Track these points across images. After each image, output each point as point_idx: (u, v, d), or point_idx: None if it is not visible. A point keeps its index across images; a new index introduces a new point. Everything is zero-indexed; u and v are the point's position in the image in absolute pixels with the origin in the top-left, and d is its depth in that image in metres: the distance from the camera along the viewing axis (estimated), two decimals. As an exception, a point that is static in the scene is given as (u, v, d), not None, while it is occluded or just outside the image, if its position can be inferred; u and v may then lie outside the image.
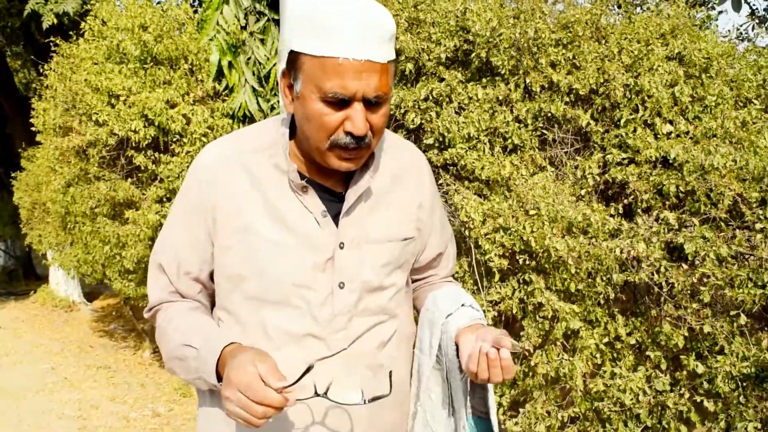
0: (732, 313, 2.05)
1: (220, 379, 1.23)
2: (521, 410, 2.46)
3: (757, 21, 9.66)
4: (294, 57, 1.23)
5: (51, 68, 5.19)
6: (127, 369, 7.17)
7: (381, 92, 1.21)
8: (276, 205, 1.32)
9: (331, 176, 1.35)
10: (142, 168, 4.44)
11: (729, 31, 3.29)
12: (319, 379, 1.24)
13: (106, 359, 7.50)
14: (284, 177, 1.33)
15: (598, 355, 2.27)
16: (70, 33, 5.10)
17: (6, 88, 10.79)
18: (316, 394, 1.20)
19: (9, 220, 11.37)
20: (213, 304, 1.46)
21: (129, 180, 4.61)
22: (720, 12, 7.48)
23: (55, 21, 6.45)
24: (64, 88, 4.75)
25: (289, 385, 1.12)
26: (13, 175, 8.49)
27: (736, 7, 4.74)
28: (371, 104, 1.22)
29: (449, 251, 1.59)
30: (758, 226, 2.08)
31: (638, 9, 3.11)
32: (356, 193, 1.33)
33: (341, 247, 1.32)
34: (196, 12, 4.81)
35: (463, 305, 1.42)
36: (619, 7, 3.14)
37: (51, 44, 5.21)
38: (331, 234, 1.32)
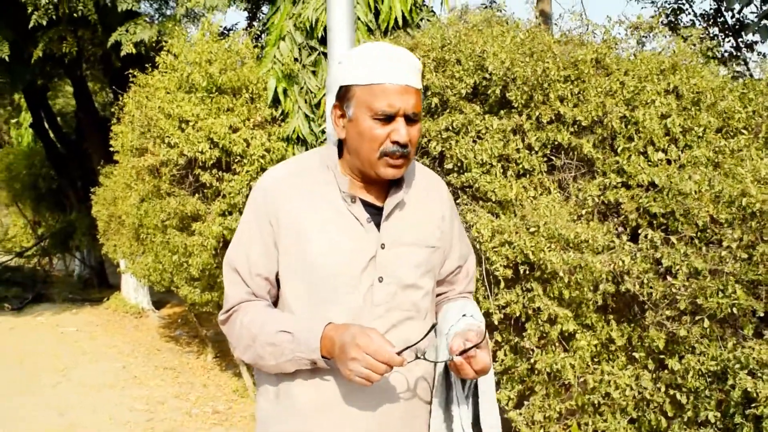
0: (696, 318, 2.36)
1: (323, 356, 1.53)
2: (525, 402, 2.81)
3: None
4: (345, 90, 1.60)
5: (129, 96, 5.80)
6: (191, 371, 7.72)
7: (417, 110, 1.59)
8: (328, 213, 1.62)
9: (371, 192, 1.67)
10: (208, 185, 4.97)
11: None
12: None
13: (172, 361, 8.08)
14: (334, 191, 1.64)
15: (587, 355, 2.61)
16: (146, 65, 5.71)
17: (86, 109, 11.68)
18: (417, 357, 1.52)
19: (86, 231, 12.19)
20: (275, 301, 1.73)
21: (196, 196, 5.14)
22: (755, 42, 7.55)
23: (134, 50, 7.15)
24: (140, 114, 5.34)
25: (404, 350, 1.46)
26: (92, 190, 9.24)
27: (764, 36, 4.94)
28: (410, 120, 1.58)
29: (468, 266, 1.88)
30: (725, 243, 2.39)
31: (646, 46, 3.40)
32: (393, 202, 1.64)
33: (382, 248, 1.61)
34: (255, 47, 5.34)
35: (464, 315, 1.67)
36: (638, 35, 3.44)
37: (129, 75, 5.82)
38: (374, 237, 1.61)
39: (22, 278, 14.20)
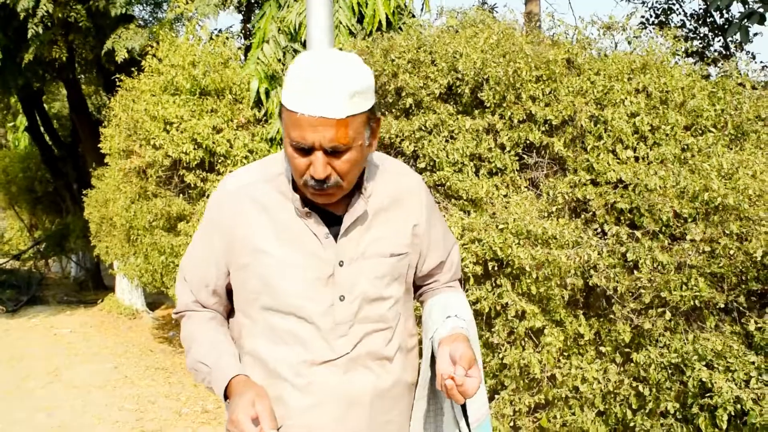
0: (659, 311, 2.41)
1: (226, 397, 1.47)
2: (496, 396, 2.85)
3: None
4: (281, 105, 1.41)
5: (116, 100, 5.86)
6: (183, 371, 7.74)
7: (337, 143, 1.35)
8: (284, 228, 1.50)
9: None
10: (192, 185, 5.02)
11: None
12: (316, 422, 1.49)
13: (164, 362, 8.11)
14: (290, 204, 1.50)
15: (554, 350, 2.65)
16: (132, 69, 5.77)
17: (80, 112, 11.74)
18: None
19: (80, 233, 12.24)
20: (229, 312, 1.67)
21: (181, 196, 5.19)
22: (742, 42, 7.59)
23: (127, 56, 7.20)
24: (127, 116, 5.39)
25: None
26: (84, 192, 9.30)
27: (744, 37, 4.98)
28: (332, 152, 1.37)
29: (452, 258, 1.74)
30: (688, 237, 2.44)
31: (630, 45, 3.43)
32: (352, 216, 1.50)
33: (341, 265, 1.50)
34: (240, 48, 5.40)
35: (448, 317, 1.58)
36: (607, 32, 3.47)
37: (116, 79, 5.88)
38: (332, 253, 1.49)
39: (18, 280, 14.23)
